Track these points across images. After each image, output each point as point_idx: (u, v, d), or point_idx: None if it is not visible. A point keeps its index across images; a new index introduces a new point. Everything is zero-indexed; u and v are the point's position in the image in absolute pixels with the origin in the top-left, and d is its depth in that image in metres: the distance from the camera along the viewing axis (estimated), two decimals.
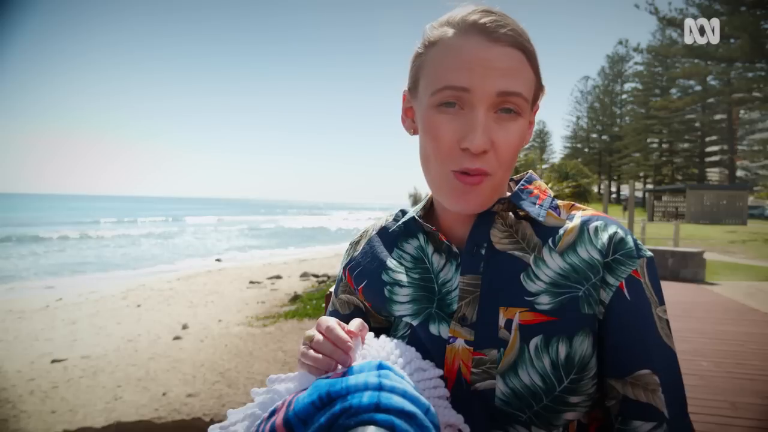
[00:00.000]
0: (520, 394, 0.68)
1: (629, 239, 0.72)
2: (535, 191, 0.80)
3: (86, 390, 5.46)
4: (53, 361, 6.44)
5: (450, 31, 0.70)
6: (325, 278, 13.57)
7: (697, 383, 4.04)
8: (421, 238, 0.84)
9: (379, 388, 0.55)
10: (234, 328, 8.10)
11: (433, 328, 0.75)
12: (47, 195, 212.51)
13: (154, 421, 4.67)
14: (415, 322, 0.77)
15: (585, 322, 0.70)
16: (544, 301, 0.70)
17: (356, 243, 0.93)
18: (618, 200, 56.96)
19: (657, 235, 18.30)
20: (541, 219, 0.75)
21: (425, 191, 0.86)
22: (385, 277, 0.83)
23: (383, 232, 0.90)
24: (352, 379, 0.56)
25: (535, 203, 0.78)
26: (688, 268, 10.21)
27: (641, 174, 56.40)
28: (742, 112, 42.84)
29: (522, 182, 0.81)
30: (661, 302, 0.72)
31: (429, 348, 0.74)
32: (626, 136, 56.01)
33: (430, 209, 0.86)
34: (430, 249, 0.82)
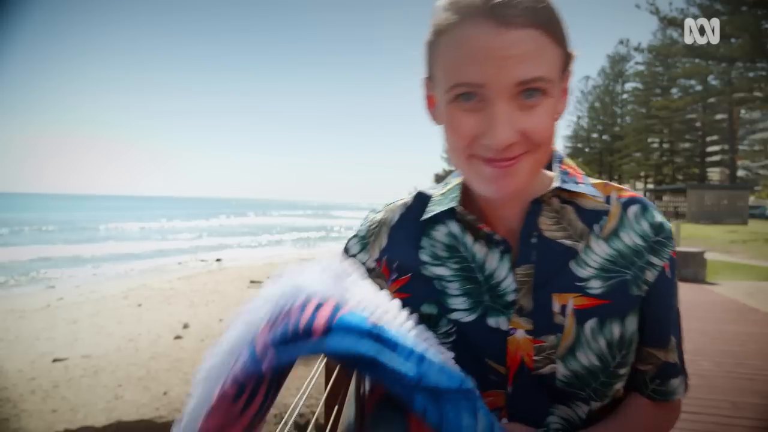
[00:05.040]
0: (580, 374, 0.71)
1: (666, 223, 0.76)
2: (571, 171, 0.78)
3: (87, 389, 5.47)
4: (54, 361, 6.46)
5: (457, 17, 0.63)
6: None
7: (697, 383, 4.05)
8: (453, 225, 0.79)
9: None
10: None
11: (492, 321, 0.73)
12: (47, 195, 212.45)
13: (155, 421, 4.68)
14: (470, 317, 0.74)
15: (635, 303, 0.73)
16: (596, 285, 0.72)
17: (377, 232, 0.84)
18: None
19: None
20: (597, 196, 0.75)
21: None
22: (427, 271, 0.78)
23: (407, 220, 0.83)
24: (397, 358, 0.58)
25: (577, 183, 0.76)
26: (688, 267, 10.18)
27: (642, 174, 56.27)
28: (742, 111, 42.76)
29: (556, 164, 0.78)
30: None
31: (485, 341, 0.73)
32: (627, 136, 55.87)
33: (464, 196, 0.79)
34: (468, 238, 0.77)
